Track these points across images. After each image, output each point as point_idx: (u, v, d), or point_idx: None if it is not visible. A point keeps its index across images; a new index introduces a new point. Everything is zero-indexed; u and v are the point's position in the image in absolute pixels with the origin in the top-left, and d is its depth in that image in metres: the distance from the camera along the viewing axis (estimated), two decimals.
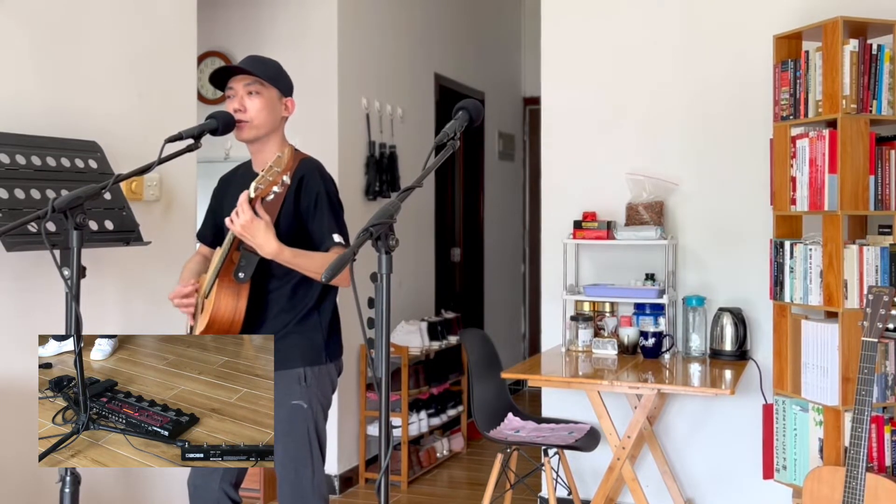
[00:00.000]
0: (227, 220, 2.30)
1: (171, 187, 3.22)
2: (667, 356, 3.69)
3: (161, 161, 2.21)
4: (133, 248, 2.89)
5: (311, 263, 2.37)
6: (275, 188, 2.18)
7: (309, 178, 2.49)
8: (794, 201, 3.27)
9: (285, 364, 2.44)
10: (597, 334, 3.87)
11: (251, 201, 2.25)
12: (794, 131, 3.30)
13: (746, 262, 3.84)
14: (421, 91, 5.48)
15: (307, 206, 2.47)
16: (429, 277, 5.57)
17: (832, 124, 3.14)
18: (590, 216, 3.91)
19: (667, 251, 3.88)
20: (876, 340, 2.77)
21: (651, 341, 3.63)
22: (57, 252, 2.06)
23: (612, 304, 3.95)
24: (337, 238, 2.45)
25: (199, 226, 2.85)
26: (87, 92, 2.90)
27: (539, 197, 4.28)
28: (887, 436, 3.06)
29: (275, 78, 2.54)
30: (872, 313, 2.78)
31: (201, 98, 4.37)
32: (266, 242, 2.28)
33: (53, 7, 2.78)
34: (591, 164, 4.11)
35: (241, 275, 2.36)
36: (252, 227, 2.26)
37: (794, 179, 3.27)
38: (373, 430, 4.68)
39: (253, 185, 2.20)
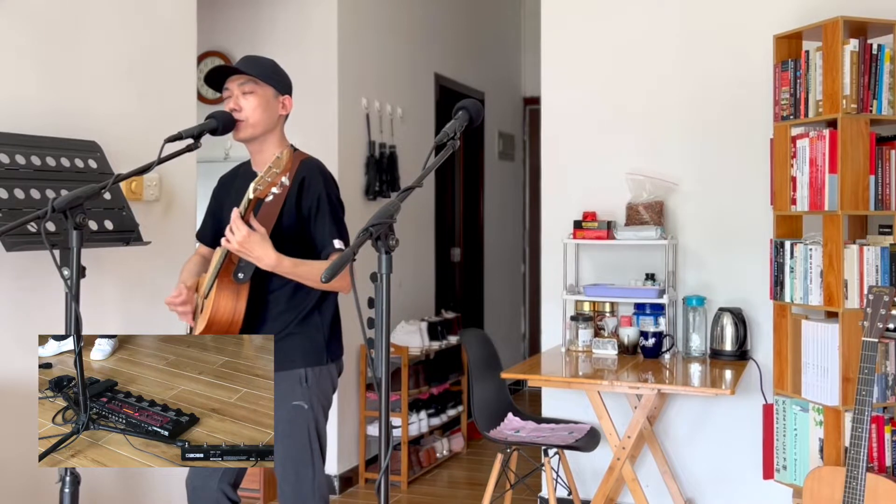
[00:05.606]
0: (222, 239, 2.30)
1: (170, 187, 3.22)
2: (667, 356, 3.69)
3: (161, 161, 2.21)
4: (133, 248, 2.89)
5: (312, 272, 2.37)
6: (273, 189, 2.18)
7: (311, 180, 2.49)
8: (794, 201, 3.27)
9: (286, 364, 2.44)
10: (597, 334, 3.87)
11: (244, 212, 2.25)
12: (795, 131, 3.30)
13: (746, 262, 3.84)
14: (421, 91, 5.47)
15: (308, 208, 2.47)
16: (429, 277, 5.57)
17: (832, 124, 3.14)
18: (590, 216, 3.90)
19: (667, 251, 3.88)
20: (876, 340, 2.77)
21: (651, 341, 3.63)
22: (57, 252, 2.05)
23: (612, 304, 3.95)
24: (338, 244, 2.45)
25: (199, 226, 2.85)
26: (87, 92, 2.90)
27: (539, 197, 4.28)
28: (887, 436, 3.06)
29: (269, 76, 2.53)
30: (872, 313, 2.78)
31: (201, 98, 4.36)
32: (265, 255, 2.28)
33: (53, 7, 2.78)
34: (591, 164, 4.11)
35: (240, 275, 2.36)
36: (249, 243, 2.26)
37: (794, 179, 3.27)
38: (373, 430, 4.68)
39: (252, 186, 2.19)
